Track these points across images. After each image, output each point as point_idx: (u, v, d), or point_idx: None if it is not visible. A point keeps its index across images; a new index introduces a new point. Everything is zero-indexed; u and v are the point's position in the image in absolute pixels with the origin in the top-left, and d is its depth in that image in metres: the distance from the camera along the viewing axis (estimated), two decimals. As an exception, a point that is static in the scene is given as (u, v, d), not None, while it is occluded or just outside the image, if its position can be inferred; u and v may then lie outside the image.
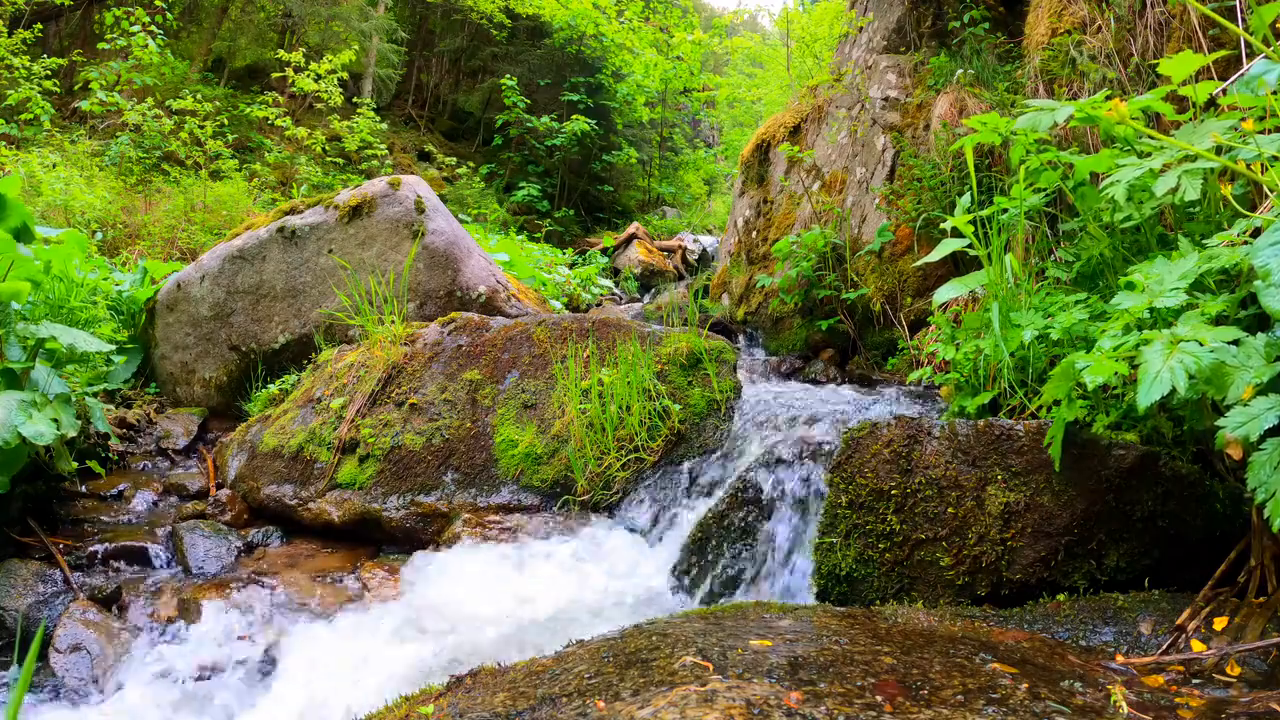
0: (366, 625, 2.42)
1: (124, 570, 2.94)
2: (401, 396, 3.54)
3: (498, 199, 13.37)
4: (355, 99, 12.53)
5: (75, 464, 3.35)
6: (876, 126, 5.06)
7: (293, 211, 4.69)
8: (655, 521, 2.89)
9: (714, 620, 1.80)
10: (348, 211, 4.55)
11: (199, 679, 2.29)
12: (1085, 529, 1.99)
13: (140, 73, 9.90)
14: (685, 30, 15.97)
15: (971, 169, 2.85)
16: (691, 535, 2.57)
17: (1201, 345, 1.61)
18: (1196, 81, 2.18)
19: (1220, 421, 1.55)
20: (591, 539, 2.84)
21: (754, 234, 6.01)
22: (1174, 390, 1.57)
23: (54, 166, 7.59)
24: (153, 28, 9.67)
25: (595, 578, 2.58)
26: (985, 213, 2.81)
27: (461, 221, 6.56)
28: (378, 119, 11.88)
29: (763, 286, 5.45)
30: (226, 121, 9.80)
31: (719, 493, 2.74)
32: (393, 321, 3.93)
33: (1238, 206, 1.94)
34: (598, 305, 8.45)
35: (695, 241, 11.44)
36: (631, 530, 2.89)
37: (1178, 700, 1.41)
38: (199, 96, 9.53)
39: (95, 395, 3.77)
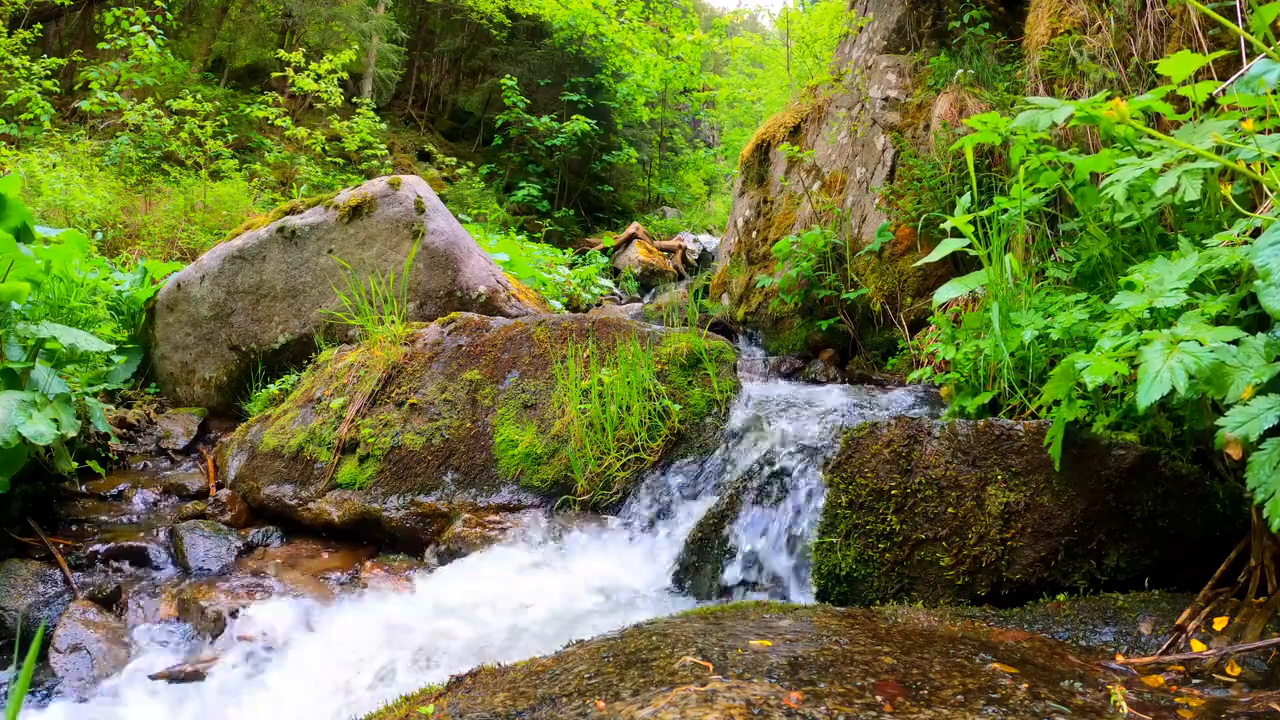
0: (366, 625, 2.42)
1: (124, 570, 2.94)
2: (401, 396, 3.54)
3: (498, 199, 13.37)
4: (355, 99, 12.53)
5: (75, 464, 3.35)
6: (876, 126, 5.06)
7: (293, 211, 4.69)
8: (655, 521, 2.89)
9: (714, 620, 1.80)
10: (348, 211, 4.55)
11: (199, 678, 2.29)
12: (1085, 529, 1.99)
13: (140, 73, 9.90)
14: (685, 30, 15.97)
15: (971, 169, 2.85)
16: (691, 535, 2.57)
17: (1201, 345, 1.61)
18: (1196, 81, 2.18)
19: (1220, 421, 1.55)
20: (591, 539, 2.84)
21: (754, 234, 6.01)
22: (1174, 390, 1.57)
23: (54, 166, 7.59)
24: (153, 28, 9.67)
25: (595, 577, 2.57)
26: (985, 213, 2.81)
27: (461, 221, 6.56)
28: (377, 119, 11.88)
29: (763, 286, 5.45)
30: (226, 121, 9.79)
31: (719, 492, 2.74)
32: (393, 321, 3.93)
33: (1238, 206, 1.94)
34: (598, 305, 8.45)
35: (695, 241, 11.43)
36: (631, 530, 2.89)
37: (1178, 700, 1.41)
38: (199, 96, 9.53)
39: (95, 395, 3.77)
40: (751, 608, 1.98)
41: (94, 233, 6.91)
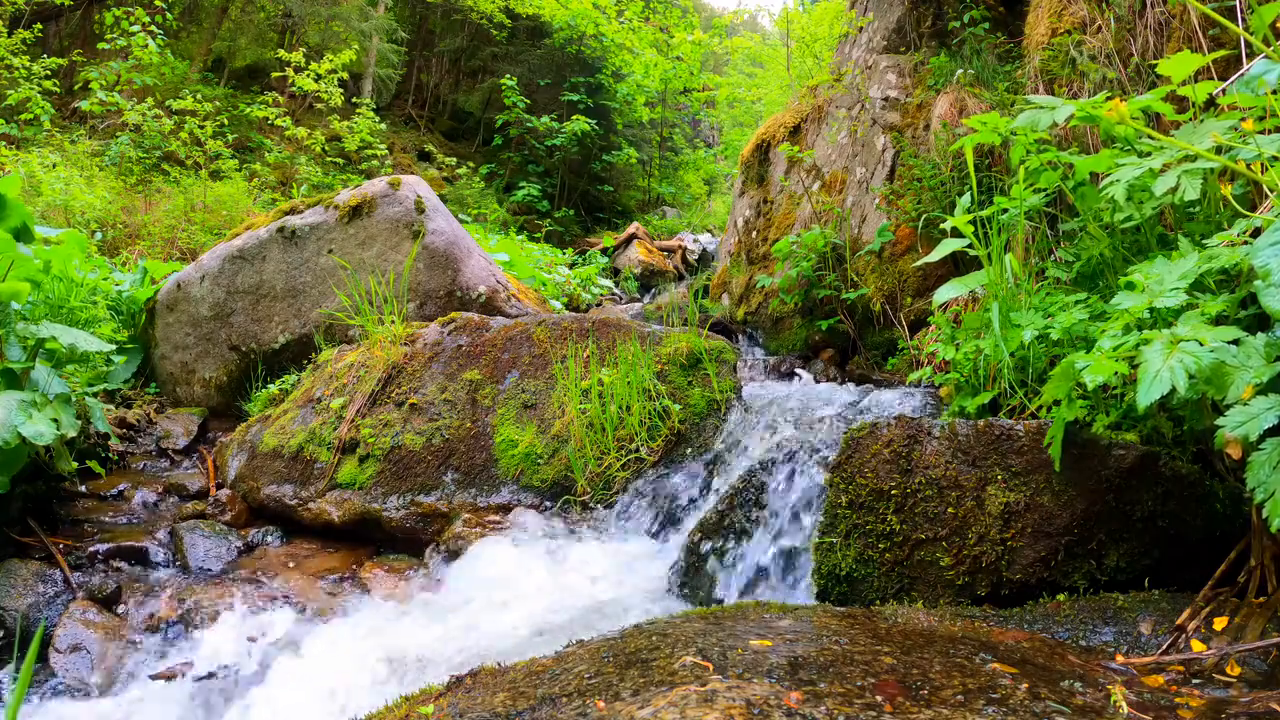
0: (366, 624, 2.42)
1: (124, 570, 2.94)
2: (401, 396, 3.54)
3: (498, 199, 13.38)
4: (355, 99, 12.53)
5: (75, 464, 3.35)
6: (876, 126, 5.06)
7: (293, 211, 4.69)
8: (655, 521, 2.89)
9: (714, 620, 1.80)
10: (348, 211, 4.55)
11: (199, 678, 2.29)
12: (1085, 529, 1.99)
13: (140, 73, 9.90)
14: (685, 30, 15.97)
15: (971, 169, 2.85)
16: (692, 535, 2.57)
17: (1201, 345, 1.61)
18: (1196, 81, 2.18)
19: (1220, 421, 1.55)
20: (591, 539, 2.84)
21: (754, 234, 6.01)
22: (1174, 390, 1.57)
23: (54, 166, 7.59)
24: (153, 28, 9.68)
25: (595, 577, 2.58)
26: (985, 213, 2.81)
27: (461, 221, 6.57)
28: (377, 119, 11.89)
29: (763, 286, 5.45)
30: (226, 121, 9.80)
31: (719, 493, 2.74)
32: (393, 321, 3.93)
33: (1238, 206, 1.94)
34: (598, 305, 8.45)
35: (695, 241, 11.43)
36: (631, 530, 2.89)
37: (1178, 700, 1.41)
38: (199, 96, 9.53)
39: (95, 395, 3.77)
40: (751, 608, 1.98)
41: (94, 233, 6.91)
